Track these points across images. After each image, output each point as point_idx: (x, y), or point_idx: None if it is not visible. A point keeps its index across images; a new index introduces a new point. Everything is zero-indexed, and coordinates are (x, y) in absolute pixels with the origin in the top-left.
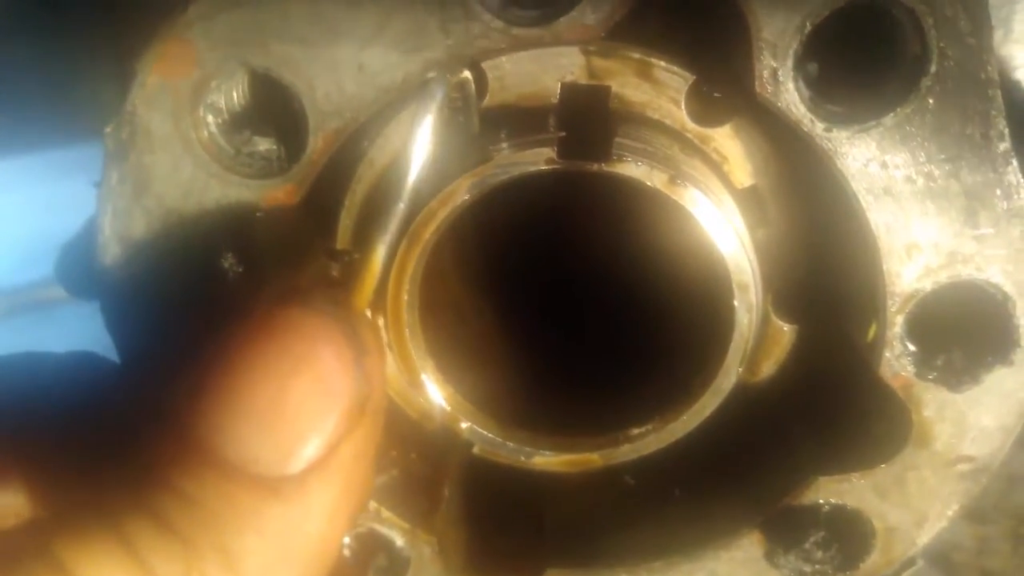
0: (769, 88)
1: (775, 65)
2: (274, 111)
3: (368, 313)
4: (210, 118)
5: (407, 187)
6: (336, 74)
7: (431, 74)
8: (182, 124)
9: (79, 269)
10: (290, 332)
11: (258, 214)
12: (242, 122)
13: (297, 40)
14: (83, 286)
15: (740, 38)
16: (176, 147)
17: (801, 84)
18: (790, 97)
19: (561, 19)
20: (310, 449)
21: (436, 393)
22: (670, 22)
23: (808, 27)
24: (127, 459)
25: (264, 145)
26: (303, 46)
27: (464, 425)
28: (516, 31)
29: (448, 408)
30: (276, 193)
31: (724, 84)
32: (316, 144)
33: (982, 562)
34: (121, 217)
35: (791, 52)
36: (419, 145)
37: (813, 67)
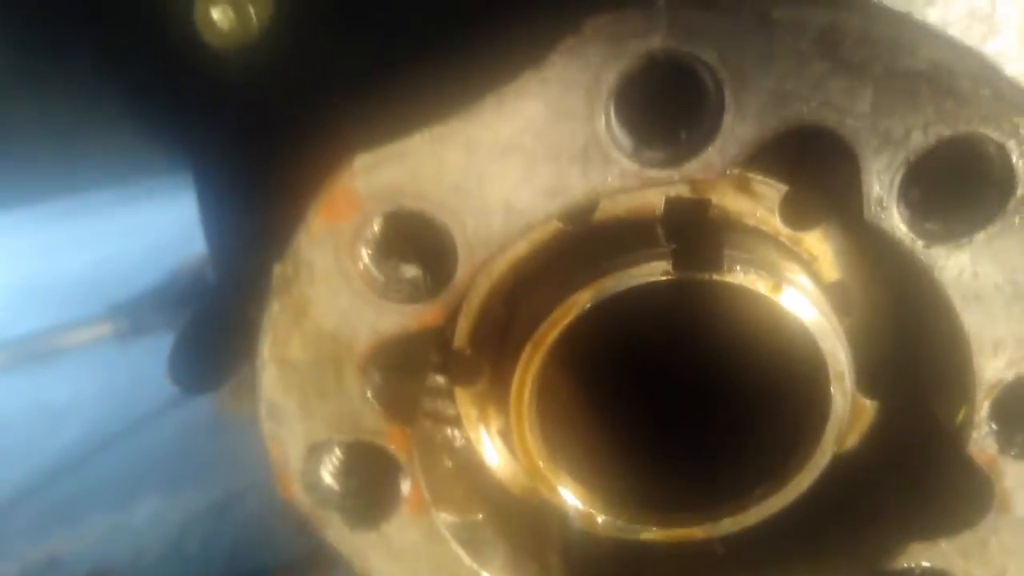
0: (876, 214)
1: (881, 193)
2: (420, 242)
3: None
4: (363, 251)
5: None
6: (485, 214)
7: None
8: (341, 260)
9: (196, 369)
10: None
11: (410, 334)
12: (391, 251)
13: (451, 187)
14: (199, 385)
15: (847, 170)
16: (335, 280)
17: (903, 207)
18: (894, 220)
19: (691, 161)
20: None
21: (568, 494)
22: (780, 156)
23: (911, 160)
24: None
25: (410, 272)
26: (456, 192)
27: (598, 517)
28: (649, 173)
29: (581, 506)
30: (425, 316)
31: (819, 195)
32: (464, 272)
33: None
34: (280, 342)
35: (896, 181)
36: None
37: (915, 192)
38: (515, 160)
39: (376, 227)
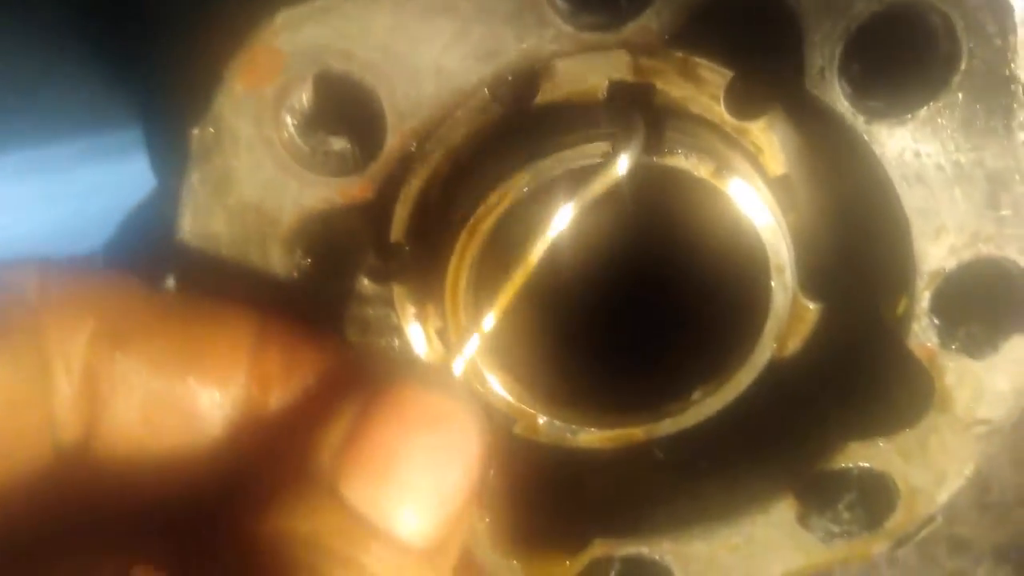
0: (817, 85)
1: (823, 64)
2: (347, 111)
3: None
4: (288, 119)
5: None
6: (415, 78)
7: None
8: (264, 127)
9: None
10: (451, 426)
11: (334, 208)
12: (317, 123)
13: (379, 48)
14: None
15: (789, 40)
16: (258, 149)
17: (844, 81)
18: (835, 93)
19: (628, 25)
20: (453, 521)
21: (505, 394)
22: (719, 27)
23: (852, 30)
24: (269, 522)
25: (338, 145)
26: (384, 53)
27: (537, 417)
28: (585, 35)
29: (511, 398)
30: (352, 190)
31: (762, 81)
32: (393, 142)
33: None
34: (201, 215)
35: (837, 53)
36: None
37: (855, 66)
38: (446, 20)
39: (302, 93)
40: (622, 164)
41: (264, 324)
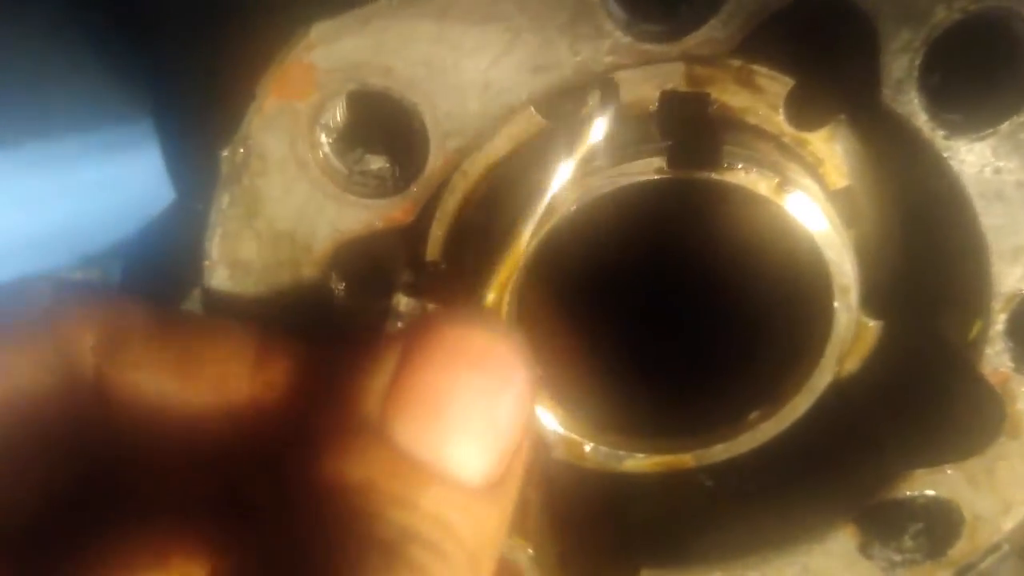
0: (893, 97)
1: (901, 76)
2: (387, 129)
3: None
4: (323, 138)
5: (555, 181)
6: (460, 93)
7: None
8: (297, 146)
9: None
10: (493, 358)
11: (372, 232)
12: (354, 142)
13: (421, 62)
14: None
15: (861, 49)
16: (291, 169)
17: (922, 93)
18: (913, 106)
19: (691, 35)
20: (509, 456)
21: (551, 419)
22: (784, 34)
23: (933, 39)
24: (323, 472)
25: (376, 164)
26: (426, 67)
27: (583, 444)
28: (645, 47)
29: (563, 431)
30: (393, 212)
31: (827, 91)
32: (435, 163)
33: None
34: (230, 240)
35: (917, 63)
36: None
37: (935, 77)
38: (495, 31)
39: (337, 110)
40: (598, 128)
41: (266, 338)
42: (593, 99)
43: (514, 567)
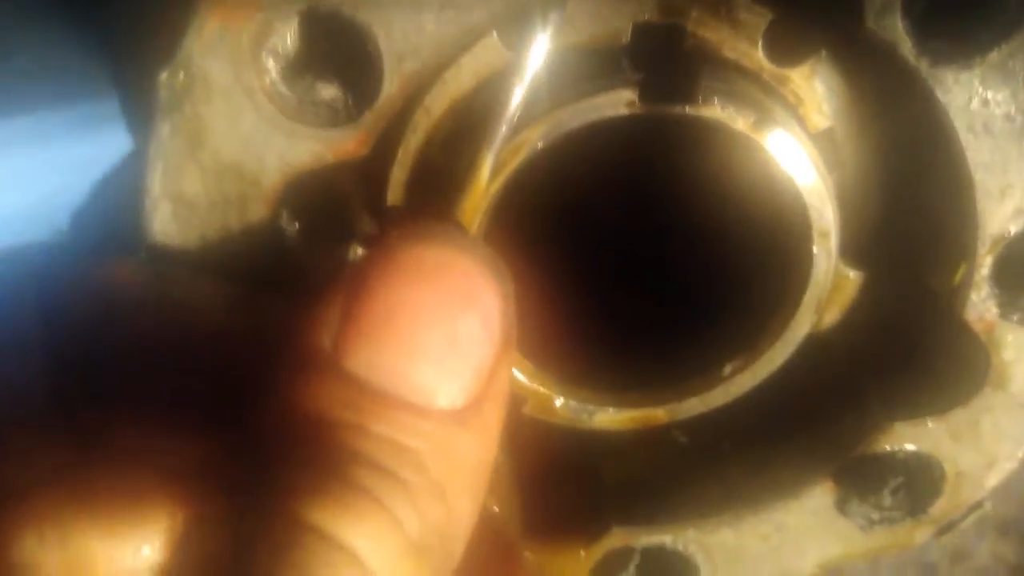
0: (877, 23)
1: (888, 8)
2: (338, 54)
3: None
4: (271, 64)
5: (515, 99)
6: (415, 12)
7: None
8: (243, 72)
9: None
10: (452, 272)
11: (324, 166)
12: (303, 68)
13: None
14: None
15: None
16: (236, 97)
17: (907, 20)
18: (897, 33)
19: None
20: (483, 379)
21: (517, 372)
22: None
23: None
24: (277, 407)
25: (328, 92)
26: None
27: (553, 398)
28: None
29: (530, 383)
30: (346, 144)
31: (807, 23)
32: (391, 88)
33: None
34: (173, 174)
35: None
36: (534, 53)
37: (920, 3)
38: None
39: (285, 32)
40: (539, 48)
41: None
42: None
43: (497, 524)
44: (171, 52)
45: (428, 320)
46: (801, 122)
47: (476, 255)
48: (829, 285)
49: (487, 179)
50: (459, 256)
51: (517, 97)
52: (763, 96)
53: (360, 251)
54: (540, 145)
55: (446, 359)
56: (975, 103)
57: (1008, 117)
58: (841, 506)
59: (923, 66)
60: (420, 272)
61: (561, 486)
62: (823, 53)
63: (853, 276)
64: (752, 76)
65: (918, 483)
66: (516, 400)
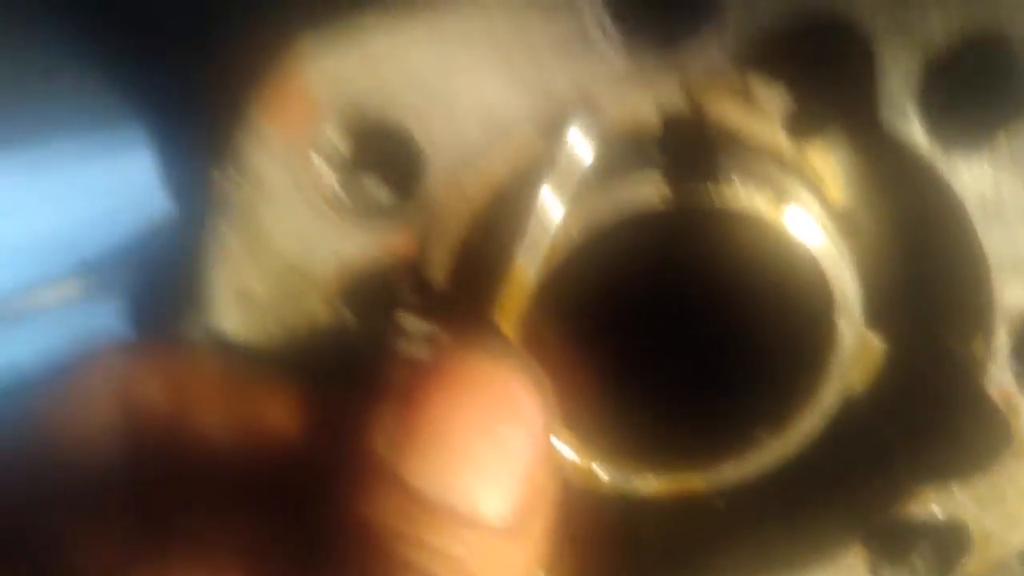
0: (893, 117)
1: (898, 94)
2: (383, 153)
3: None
4: (321, 162)
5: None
6: (456, 115)
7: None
8: (298, 174)
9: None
10: (498, 386)
11: (375, 260)
12: (350, 166)
13: (414, 82)
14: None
15: (860, 69)
16: (289, 194)
17: (921, 109)
18: (911, 125)
19: (689, 55)
20: (528, 492)
21: (562, 446)
22: (785, 50)
23: (932, 58)
24: (338, 507)
25: (374, 189)
26: (421, 88)
27: (597, 469)
28: (639, 62)
29: (576, 457)
30: (394, 239)
31: (826, 107)
32: (435, 183)
33: None
34: (233, 271)
35: (915, 82)
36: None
37: (933, 94)
38: (486, 48)
39: (335, 135)
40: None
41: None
42: (576, 122)
43: None
44: (224, 149)
45: (483, 437)
46: (821, 197)
47: (525, 373)
48: (855, 352)
49: (525, 273)
50: (511, 374)
51: (548, 192)
52: (782, 173)
53: (408, 319)
54: (578, 239)
55: (498, 474)
56: (987, 187)
57: (1019, 199)
58: (874, 570)
59: (937, 153)
60: (475, 389)
61: (604, 551)
62: (841, 133)
63: (877, 342)
64: (772, 154)
65: (946, 546)
66: (559, 470)
